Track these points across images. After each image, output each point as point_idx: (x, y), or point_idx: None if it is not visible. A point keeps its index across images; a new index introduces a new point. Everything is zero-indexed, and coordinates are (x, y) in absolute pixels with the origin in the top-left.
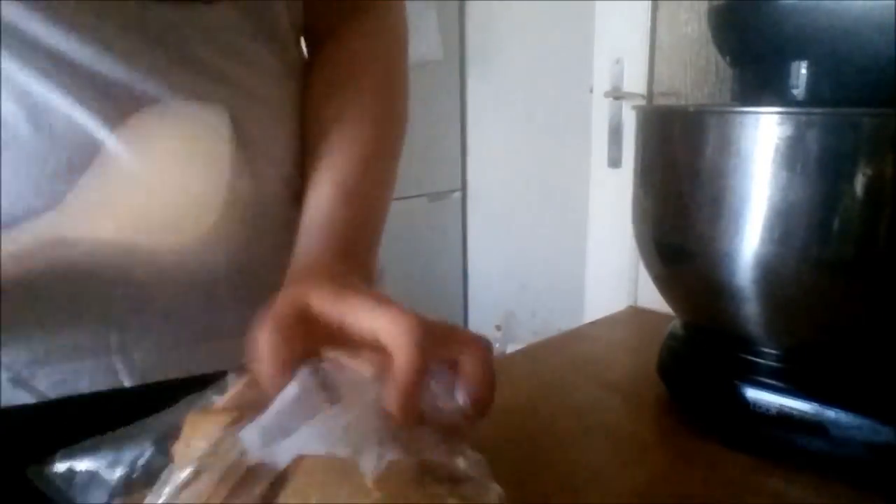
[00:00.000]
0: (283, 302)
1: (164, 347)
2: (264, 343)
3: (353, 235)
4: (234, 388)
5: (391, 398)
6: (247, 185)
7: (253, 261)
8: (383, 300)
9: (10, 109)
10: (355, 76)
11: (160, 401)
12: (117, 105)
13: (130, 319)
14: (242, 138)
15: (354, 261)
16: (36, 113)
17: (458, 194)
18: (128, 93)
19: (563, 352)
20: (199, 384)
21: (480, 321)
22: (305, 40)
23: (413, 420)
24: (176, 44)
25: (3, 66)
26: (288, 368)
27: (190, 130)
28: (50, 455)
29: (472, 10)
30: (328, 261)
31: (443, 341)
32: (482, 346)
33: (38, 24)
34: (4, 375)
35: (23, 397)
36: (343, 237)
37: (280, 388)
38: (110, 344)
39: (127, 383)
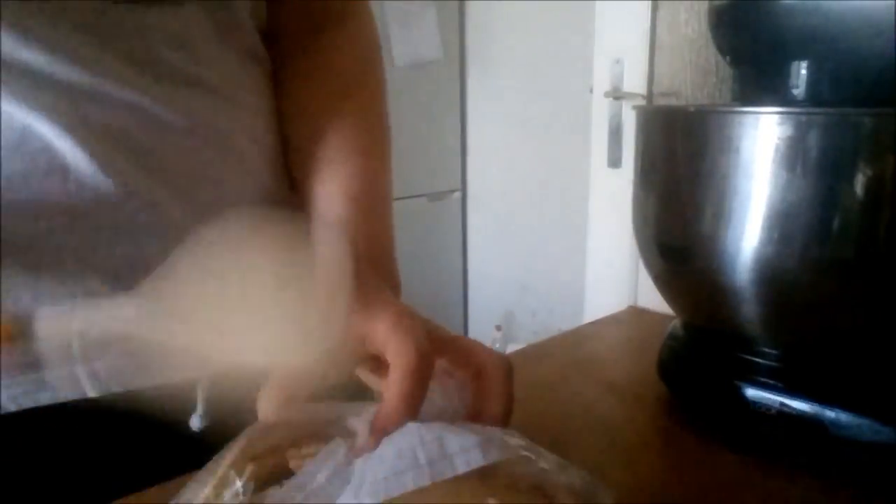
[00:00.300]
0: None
1: (128, 356)
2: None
3: (376, 248)
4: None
5: (376, 419)
6: (213, 192)
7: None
8: (399, 320)
9: None
10: (344, 87)
11: (125, 410)
12: (75, 110)
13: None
14: (213, 140)
15: (382, 272)
16: None
17: (458, 194)
18: (87, 96)
19: (563, 352)
20: (164, 393)
21: (480, 321)
22: (271, 49)
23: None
24: (137, 45)
25: None
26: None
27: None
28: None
29: (472, 10)
30: (358, 274)
31: (461, 361)
32: (500, 368)
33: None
34: None
35: None
36: (367, 251)
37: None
38: (72, 353)
39: (90, 393)
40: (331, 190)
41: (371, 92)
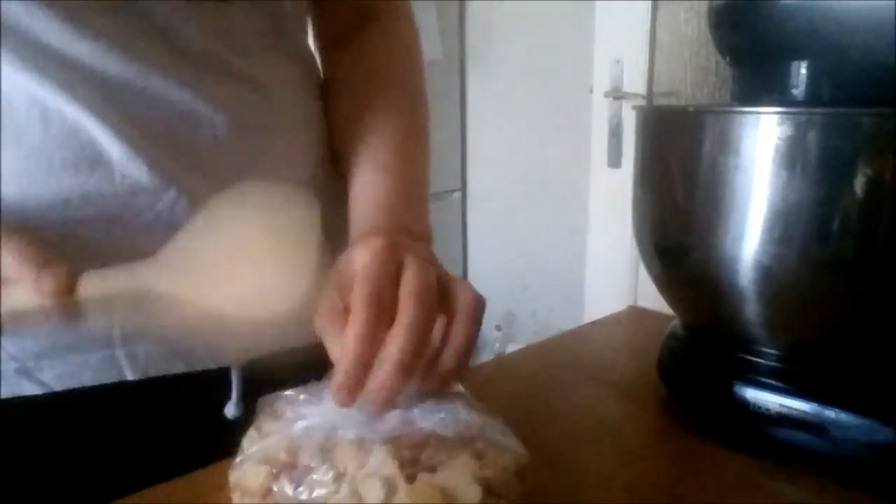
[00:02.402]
0: (333, 283)
1: (167, 342)
2: (324, 319)
3: (399, 206)
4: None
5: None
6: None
7: None
8: (418, 261)
9: (23, 108)
10: (380, 74)
11: (162, 395)
12: (121, 105)
13: (133, 314)
14: (252, 134)
15: (406, 227)
16: (43, 114)
17: (458, 194)
18: (132, 89)
19: (563, 352)
20: (199, 379)
21: None
22: (317, 47)
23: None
24: (185, 39)
25: (11, 67)
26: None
27: (279, 217)
28: (54, 447)
29: (472, 10)
30: (382, 230)
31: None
32: (469, 306)
33: (42, 23)
34: (12, 366)
35: (29, 388)
36: (390, 209)
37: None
38: (113, 337)
39: (130, 377)
40: (362, 166)
41: (409, 77)
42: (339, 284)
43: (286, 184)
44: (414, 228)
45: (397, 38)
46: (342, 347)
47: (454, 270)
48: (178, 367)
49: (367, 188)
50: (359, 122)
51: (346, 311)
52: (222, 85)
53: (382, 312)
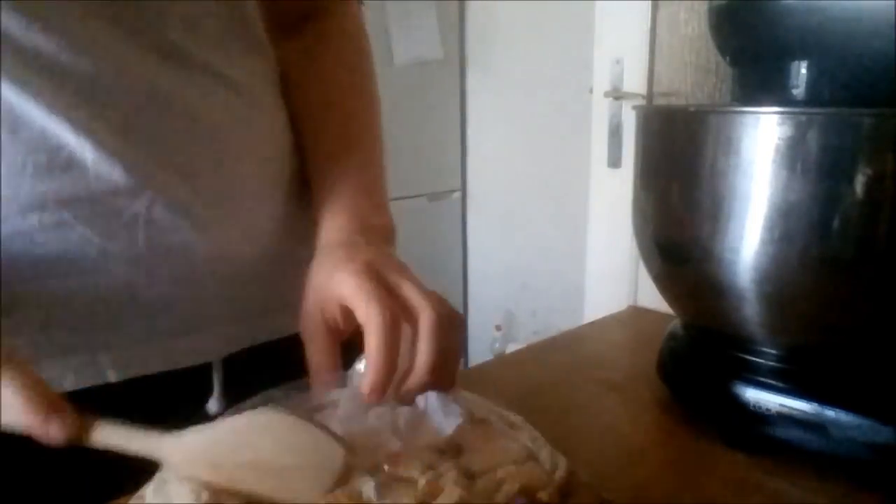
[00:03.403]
0: (313, 308)
1: (148, 341)
2: (312, 346)
3: (362, 206)
4: None
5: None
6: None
7: (238, 253)
8: (361, 282)
9: None
10: (331, 70)
11: (144, 394)
12: (90, 108)
13: (115, 315)
14: (227, 128)
15: (371, 226)
16: (11, 119)
17: (458, 194)
18: (104, 88)
19: (563, 352)
20: (181, 377)
21: (480, 321)
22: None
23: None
24: (154, 31)
25: None
26: (334, 355)
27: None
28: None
29: (472, 10)
30: (346, 237)
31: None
32: (428, 319)
33: (10, 22)
34: None
35: None
36: (355, 209)
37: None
38: (96, 339)
39: (112, 378)
40: (324, 161)
41: (360, 77)
42: (318, 300)
43: (258, 177)
44: (377, 225)
45: (345, 31)
46: (368, 357)
47: (454, 270)
48: (160, 366)
49: (330, 188)
50: (314, 120)
51: (330, 326)
52: (192, 79)
53: (396, 326)
